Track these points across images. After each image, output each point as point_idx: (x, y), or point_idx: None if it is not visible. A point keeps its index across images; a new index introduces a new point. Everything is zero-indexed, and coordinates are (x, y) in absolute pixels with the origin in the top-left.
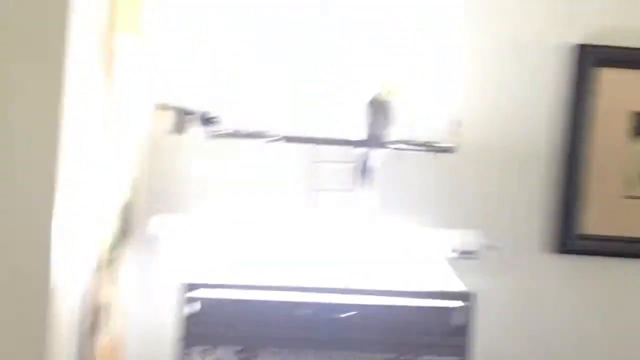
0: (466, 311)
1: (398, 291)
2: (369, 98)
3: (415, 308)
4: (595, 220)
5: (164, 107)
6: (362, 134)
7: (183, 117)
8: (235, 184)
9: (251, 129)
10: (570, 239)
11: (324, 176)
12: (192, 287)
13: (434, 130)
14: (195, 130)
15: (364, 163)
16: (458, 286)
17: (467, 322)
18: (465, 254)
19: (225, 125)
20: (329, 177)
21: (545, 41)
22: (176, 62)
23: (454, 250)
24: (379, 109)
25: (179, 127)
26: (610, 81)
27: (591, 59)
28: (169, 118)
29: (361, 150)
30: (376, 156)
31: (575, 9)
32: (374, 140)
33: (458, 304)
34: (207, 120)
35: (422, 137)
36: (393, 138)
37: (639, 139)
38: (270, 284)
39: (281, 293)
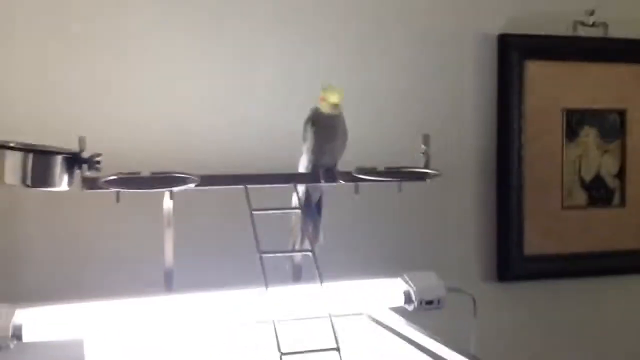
0: None
1: None
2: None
3: None
4: (536, 239)
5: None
6: (303, 165)
7: (44, 162)
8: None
9: (149, 170)
10: (512, 263)
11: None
12: None
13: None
14: (63, 180)
15: (311, 202)
16: None
17: None
18: (429, 304)
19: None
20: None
21: (465, 33)
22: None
23: (414, 301)
24: (324, 126)
25: (38, 178)
26: (539, 75)
27: (516, 49)
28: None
29: (305, 186)
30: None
31: None
32: (325, 172)
33: None
34: (83, 163)
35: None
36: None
37: (574, 139)
38: None
39: None
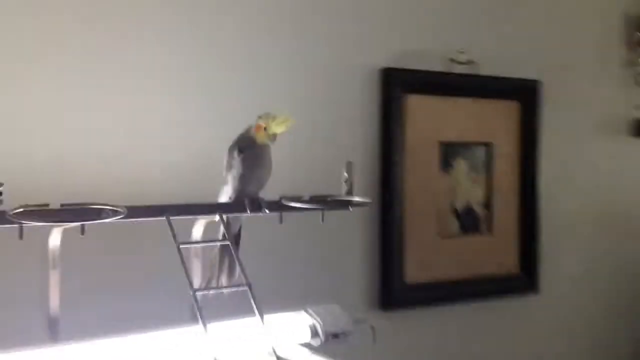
0: None
1: None
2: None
3: None
4: (416, 268)
5: None
6: (227, 193)
7: None
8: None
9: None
10: (393, 292)
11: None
12: None
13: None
14: None
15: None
16: None
17: None
18: (335, 337)
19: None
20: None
21: (351, 65)
22: None
23: (320, 335)
24: (253, 155)
25: None
26: (418, 109)
27: (398, 83)
28: None
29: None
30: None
31: (380, 32)
32: (251, 202)
33: None
34: None
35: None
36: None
37: (449, 171)
38: None
39: None
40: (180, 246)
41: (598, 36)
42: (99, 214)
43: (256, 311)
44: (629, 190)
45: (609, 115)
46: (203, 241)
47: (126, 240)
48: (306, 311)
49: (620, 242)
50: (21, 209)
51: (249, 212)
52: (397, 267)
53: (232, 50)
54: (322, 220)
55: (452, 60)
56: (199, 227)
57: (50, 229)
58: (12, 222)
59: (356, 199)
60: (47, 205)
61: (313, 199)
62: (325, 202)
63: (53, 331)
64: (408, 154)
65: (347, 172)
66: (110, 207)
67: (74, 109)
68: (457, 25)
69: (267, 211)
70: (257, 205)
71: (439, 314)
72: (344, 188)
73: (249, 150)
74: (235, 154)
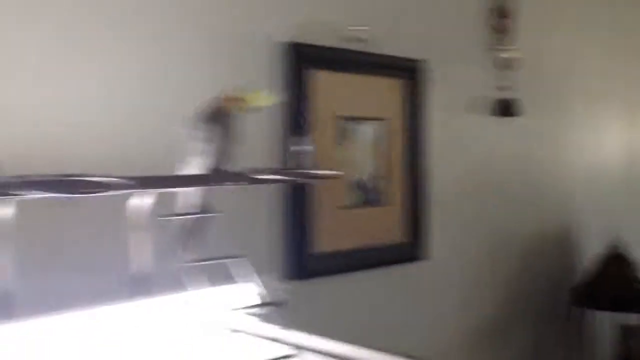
0: None
1: None
2: (207, 109)
3: None
4: (322, 239)
5: None
6: (200, 166)
7: None
8: None
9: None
10: (303, 262)
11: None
12: None
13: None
14: None
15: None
16: None
17: None
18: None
19: None
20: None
21: (256, 39)
22: None
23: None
24: (228, 127)
25: None
26: (321, 84)
27: (303, 58)
28: None
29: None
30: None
31: (286, 5)
32: (221, 174)
33: None
34: None
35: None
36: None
37: (346, 145)
38: None
39: None
40: (159, 218)
41: (471, 22)
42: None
43: (254, 280)
44: (500, 164)
45: (478, 96)
46: (178, 214)
47: (70, 213)
48: (252, 281)
49: (494, 212)
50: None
51: (220, 184)
52: (307, 238)
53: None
54: (284, 191)
55: (348, 37)
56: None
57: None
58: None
59: (325, 171)
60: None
61: (276, 172)
62: (293, 175)
63: (5, 307)
64: (311, 128)
65: (308, 146)
66: (102, 180)
67: (46, 78)
68: (353, 3)
69: (241, 184)
70: (226, 177)
71: (342, 282)
72: (294, 160)
73: (224, 123)
74: (211, 126)
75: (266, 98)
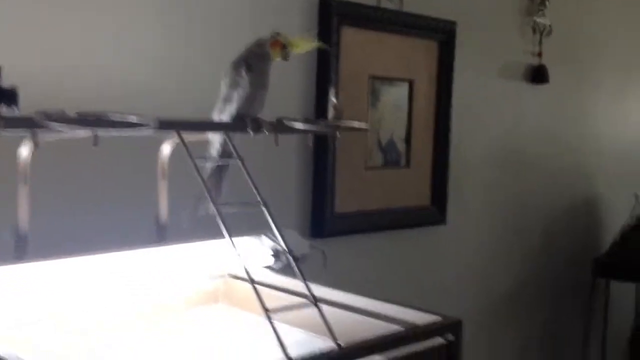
0: None
1: None
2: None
3: None
4: (345, 199)
5: None
6: (230, 113)
7: None
8: None
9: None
10: (325, 221)
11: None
12: None
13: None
14: None
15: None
16: None
17: None
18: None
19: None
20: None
21: None
22: None
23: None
24: (261, 72)
25: None
26: (352, 42)
27: (337, 15)
28: None
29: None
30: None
31: None
32: (252, 122)
33: None
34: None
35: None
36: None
37: (376, 105)
38: None
39: None
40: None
41: None
42: (114, 124)
43: (274, 229)
44: (526, 133)
45: (511, 61)
46: (219, 158)
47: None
48: (267, 236)
49: (517, 180)
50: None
51: (251, 132)
52: (329, 197)
53: None
54: (311, 143)
55: None
56: (166, 147)
57: (20, 141)
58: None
59: (353, 123)
60: (62, 111)
61: (303, 122)
62: (320, 125)
63: (21, 247)
64: (341, 87)
65: (334, 97)
66: (135, 119)
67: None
68: None
69: (266, 132)
70: (258, 125)
71: (363, 242)
72: (331, 112)
73: (257, 69)
74: (243, 71)
75: (309, 42)
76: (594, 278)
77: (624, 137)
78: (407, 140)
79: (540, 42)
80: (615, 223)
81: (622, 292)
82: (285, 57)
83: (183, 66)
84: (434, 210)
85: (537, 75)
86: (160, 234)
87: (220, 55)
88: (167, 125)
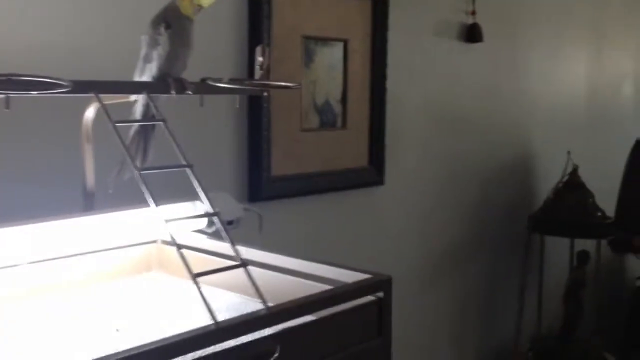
0: None
1: None
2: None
3: None
4: (281, 161)
5: None
6: (150, 73)
7: None
8: None
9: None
10: (262, 184)
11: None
12: None
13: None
14: None
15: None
16: None
17: None
18: (229, 224)
19: None
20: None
21: None
22: None
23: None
24: (181, 29)
25: None
26: (284, 1)
27: None
28: None
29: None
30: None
31: None
32: (175, 82)
33: None
34: None
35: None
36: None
37: (310, 65)
38: None
39: None
40: (116, 124)
41: None
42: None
43: (199, 191)
44: (462, 91)
45: (445, 19)
46: (135, 121)
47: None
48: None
49: (453, 138)
50: None
51: (174, 93)
52: (265, 160)
53: None
54: (237, 104)
55: None
56: (90, 111)
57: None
58: None
59: (281, 82)
60: None
61: (231, 81)
62: (249, 84)
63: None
64: (274, 47)
65: (261, 56)
66: (48, 79)
67: None
68: None
69: (190, 93)
70: (182, 85)
71: (301, 205)
72: (258, 72)
73: (176, 26)
74: (162, 29)
75: None
76: (530, 233)
77: (558, 95)
78: (343, 101)
79: (473, 1)
80: (549, 180)
81: (557, 247)
82: (193, 12)
83: (104, 26)
84: (372, 171)
85: (471, 34)
86: (89, 202)
87: (143, 14)
88: (84, 86)
